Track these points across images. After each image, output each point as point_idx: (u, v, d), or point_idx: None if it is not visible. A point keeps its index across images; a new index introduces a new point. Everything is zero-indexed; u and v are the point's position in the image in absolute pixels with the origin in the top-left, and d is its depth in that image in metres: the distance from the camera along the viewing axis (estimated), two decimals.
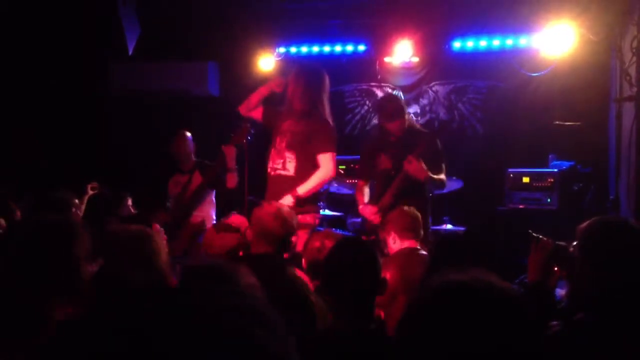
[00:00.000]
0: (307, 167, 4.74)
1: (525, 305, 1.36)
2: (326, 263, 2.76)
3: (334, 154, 4.79)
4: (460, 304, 1.32)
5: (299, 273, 3.39)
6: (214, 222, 5.73)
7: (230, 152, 5.34)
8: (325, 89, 4.92)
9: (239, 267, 1.99)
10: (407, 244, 4.08)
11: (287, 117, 4.87)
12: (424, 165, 4.71)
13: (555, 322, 2.30)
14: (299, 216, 4.02)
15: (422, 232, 4.20)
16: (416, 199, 4.74)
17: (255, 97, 5.12)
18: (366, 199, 5.14)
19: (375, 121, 7.92)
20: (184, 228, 5.64)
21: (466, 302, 1.32)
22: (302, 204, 4.64)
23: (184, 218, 5.71)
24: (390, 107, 5.02)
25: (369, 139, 5.54)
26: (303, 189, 4.64)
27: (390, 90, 7.87)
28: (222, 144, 5.40)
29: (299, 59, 4.98)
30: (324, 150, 4.74)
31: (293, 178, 4.72)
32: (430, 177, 4.79)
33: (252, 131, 5.30)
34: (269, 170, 4.89)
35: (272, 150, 4.89)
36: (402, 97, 7.78)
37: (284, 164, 4.79)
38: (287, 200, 4.51)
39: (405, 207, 4.32)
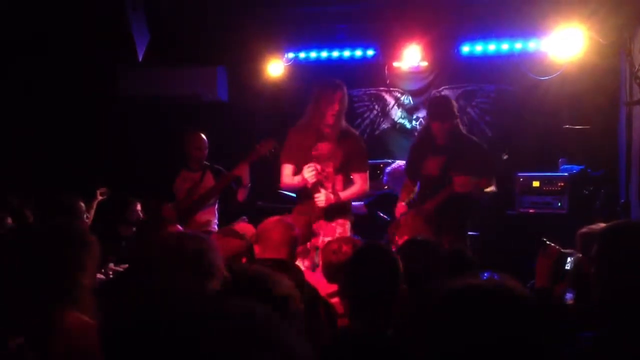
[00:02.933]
0: (349, 185, 5.05)
1: (539, 310, 1.37)
2: (347, 266, 2.76)
3: (368, 173, 5.09)
4: (476, 307, 1.33)
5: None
6: (216, 225, 5.78)
7: (244, 171, 5.54)
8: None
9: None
10: None
11: (319, 141, 4.96)
12: (470, 180, 4.73)
13: (587, 334, 2.29)
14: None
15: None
16: (458, 210, 4.89)
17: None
18: (408, 199, 5.28)
19: (384, 125, 7.94)
20: (190, 224, 5.69)
21: (481, 306, 1.33)
22: (335, 212, 4.91)
23: (190, 214, 5.76)
24: (437, 107, 5.14)
25: (416, 140, 5.60)
26: (344, 194, 4.93)
27: (399, 95, 7.88)
28: (241, 160, 5.57)
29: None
30: (361, 170, 5.03)
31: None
32: (477, 188, 4.86)
33: (277, 146, 5.43)
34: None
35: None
36: (412, 101, 7.84)
37: (334, 188, 4.95)
38: (326, 195, 4.81)
39: (419, 212, 4.32)
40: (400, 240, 4.24)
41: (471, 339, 1.30)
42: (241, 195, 5.69)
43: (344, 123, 5.00)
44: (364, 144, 5.14)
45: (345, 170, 4.99)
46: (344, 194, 4.92)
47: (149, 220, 5.51)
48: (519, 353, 1.30)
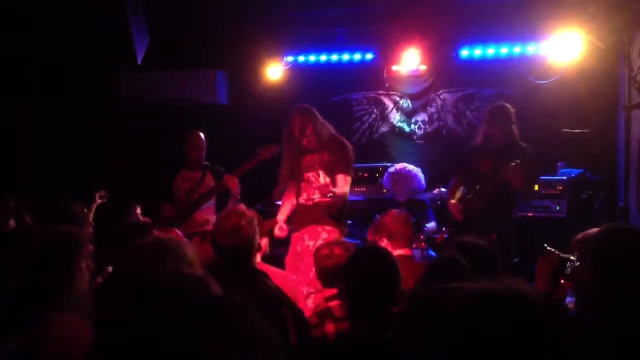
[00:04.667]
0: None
1: (552, 313, 1.38)
2: (346, 269, 2.75)
3: (350, 176, 5.18)
4: (490, 311, 1.33)
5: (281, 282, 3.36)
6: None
7: (233, 183, 5.70)
8: (318, 115, 5.22)
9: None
10: (399, 251, 4.06)
11: (306, 153, 5.20)
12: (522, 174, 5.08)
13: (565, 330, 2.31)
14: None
15: (414, 238, 4.24)
16: (504, 204, 5.26)
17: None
18: (457, 196, 5.53)
19: (383, 129, 7.94)
20: (189, 223, 5.73)
21: (496, 309, 1.33)
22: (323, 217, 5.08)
23: (189, 213, 5.82)
24: (495, 113, 5.43)
25: (473, 144, 5.79)
26: (335, 189, 5.00)
27: (398, 98, 7.88)
28: (244, 162, 5.71)
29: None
30: (342, 171, 5.13)
31: (332, 200, 5.08)
32: (526, 186, 5.29)
33: (280, 151, 5.57)
34: (303, 201, 5.20)
35: (303, 184, 5.21)
36: (411, 105, 7.85)
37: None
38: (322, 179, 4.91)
39: (398, 213, 4.36)
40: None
41: (485, 340, 1.30)
42: (231, 204, 5.78)
43: (325, 133, 5.17)
44: (348, 150, 5.20)
45: (331, 175, 5.08)
46: (335, 190, 5.00)
47: (149, 223, 5.51)
48: (534, 353, 1.31)
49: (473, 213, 5.24)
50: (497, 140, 5.36)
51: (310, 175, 5.06)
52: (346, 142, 5.29)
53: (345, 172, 5.13)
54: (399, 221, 4.26)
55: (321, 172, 4.99)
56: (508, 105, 5.51)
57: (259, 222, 3.97)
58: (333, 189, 4.91)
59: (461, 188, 5.51)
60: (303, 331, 3.05)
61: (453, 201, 5.43)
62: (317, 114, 5.17)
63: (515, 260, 5.31)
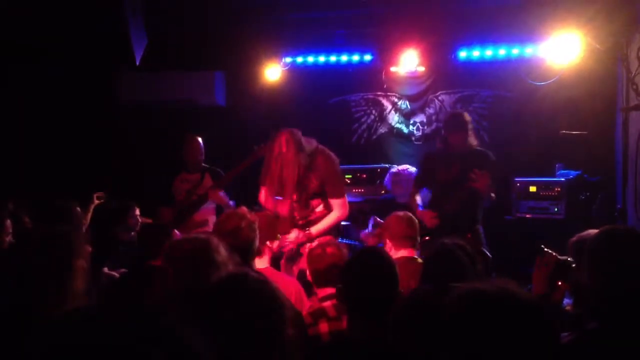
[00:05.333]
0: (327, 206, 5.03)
1: (549, 315, 1.38)
2: (344, 271, 2.76)
3: (345, 197, 5.05)
4: (487, 312, 1.34)
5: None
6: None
7: (217, 197, 5.73)
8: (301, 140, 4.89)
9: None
10: (402, 252, 4.07)
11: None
12: (489, 182, 5.17)
13: (565, 334, 2.31)
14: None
15: (418, 239, 4.24)
16: (474, 208, 5.40)
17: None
18: (420, 204, 5.60)
19: (381, 130, 7.95)
20: (188, 224, 5.76)
21: (493, 311, 1.34)
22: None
23: (188, 214, 5.85)
24: (455, 120, 5.53)
25: (432, 151, 5.93)
26: (315, 230, 4.90)
27: (396, 100, 7.89)
28: (241, 161, 5.65)
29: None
30: (336, 195, 4.98)
31: (326, 214, 5.01)
32: (490, 193, 5.36)
33: None
34: (295, 220, 5.04)
35: (293, 204, 5.03)
36: (409, 106, 7.86)
37: (313, 210, 5.03)
38: (294, 235, 4.84)
39: (402, 214, 4.37)
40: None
41: (480, 342, 1.31)
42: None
43: (307, 150, 4.84)
44: (335, 166, 4.98)
45: (320, 195, 5.00)
46: (317, 228, 4.89)
47: (150, 224, 5.53)
48: (530, 353, 1.32)
49: (448, 216, 5.32)
50: (456, 147, 5.47)
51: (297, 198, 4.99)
52: (329, 153, 4.98)
53: (339, 195, 4.97)
54: (401, 222, 4.26)
55: (295, 231, 4.87)
56: (465, 113, 5.67)
57: (273, 224, 3.99)
58: (311, 232, 4.87)
59: (418, 197, 5.63)
60: (301, 333, 3.06)
61: (420, 210, 5.46)
62: (301, 136, 4.84)
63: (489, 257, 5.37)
